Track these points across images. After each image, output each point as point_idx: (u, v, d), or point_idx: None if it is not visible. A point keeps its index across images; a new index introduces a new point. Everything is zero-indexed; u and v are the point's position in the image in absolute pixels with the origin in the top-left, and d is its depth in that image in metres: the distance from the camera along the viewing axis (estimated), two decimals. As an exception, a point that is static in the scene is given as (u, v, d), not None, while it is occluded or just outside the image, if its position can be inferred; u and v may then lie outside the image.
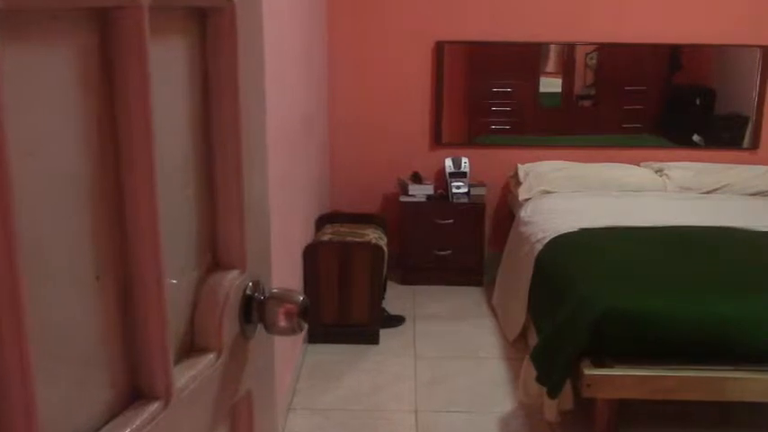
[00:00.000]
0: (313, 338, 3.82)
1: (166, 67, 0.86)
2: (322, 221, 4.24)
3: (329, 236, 3.96)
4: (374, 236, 4.02)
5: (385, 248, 4.03)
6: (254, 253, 1.05)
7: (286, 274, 3.37)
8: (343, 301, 3.80)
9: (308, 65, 3.78)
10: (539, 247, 3.67)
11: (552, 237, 3.65)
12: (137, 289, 0.81)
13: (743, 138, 4.80)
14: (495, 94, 4.79)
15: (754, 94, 4.73)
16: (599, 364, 2.75)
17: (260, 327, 1.06)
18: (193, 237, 0.97)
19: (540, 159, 4.73)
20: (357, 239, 3.89)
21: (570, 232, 3.65)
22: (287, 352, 3.29)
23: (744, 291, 2.89)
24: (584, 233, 3.63)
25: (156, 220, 0.80)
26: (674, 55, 4.76)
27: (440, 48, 4.67)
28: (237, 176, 1.00)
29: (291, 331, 1.06)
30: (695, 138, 4.90)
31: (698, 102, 4.97)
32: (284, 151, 3.21)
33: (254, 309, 1.04)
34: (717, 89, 4.86)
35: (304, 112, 3.67)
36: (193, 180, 0.96)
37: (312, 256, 3.75)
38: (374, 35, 4.69)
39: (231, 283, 1.00)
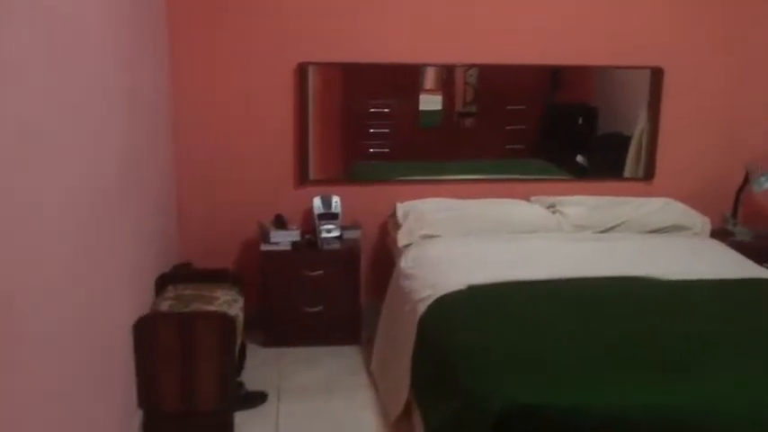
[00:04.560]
0: (150, 432, 3.08)
1: None
2: (164, 281, 3.50)
3: (170, 302, 3.23)
4: (225, 299, 3.32)
5: (240, 313, 3.35)
6: None
7: (106, 358, 2.65)
8: (187, 384, 3.07)
9: (130, 96, 3.05)
10: (421, 308, 3.10)
11: (437, 296, 3.09)
12: None
13: (624, 158, 4.45)
14: (372, 115, 4.24)
15: (642, 118, 4.39)
16: (499, 476, 2.18)
17: None
18: None
19: (421, 195, 4.19)
20: (203, 307, 3.18)
21: (457, 291, 3.09)
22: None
23: (676, 370, 2.39)
24: (473, 292, 3.08)
25: None
26: (554, 73, 4.36)
27: (303, 70, 4.03)
28: None
29: None
30: (579, 158, 4.54)
31: (580, 121, 4.62)
32: (96, 206, 2.50)
33: None
34: (599, 108, 4.51)
35: (126, 156, 2.95)
36: None
37: (146, 331, 3.01)
38: (224, 57, 3.98)
39: None
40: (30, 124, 1.89)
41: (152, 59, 3.58)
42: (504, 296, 3.02)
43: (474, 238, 3.77)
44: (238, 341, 3.27)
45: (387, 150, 4.31)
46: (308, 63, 4.03)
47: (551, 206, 4.11)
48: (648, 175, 4.42)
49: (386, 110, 4.26)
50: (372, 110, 4.25)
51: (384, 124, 4.28)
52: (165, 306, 3.20)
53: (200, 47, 3.95)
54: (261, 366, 3.75)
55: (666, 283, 3.20)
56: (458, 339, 2.70)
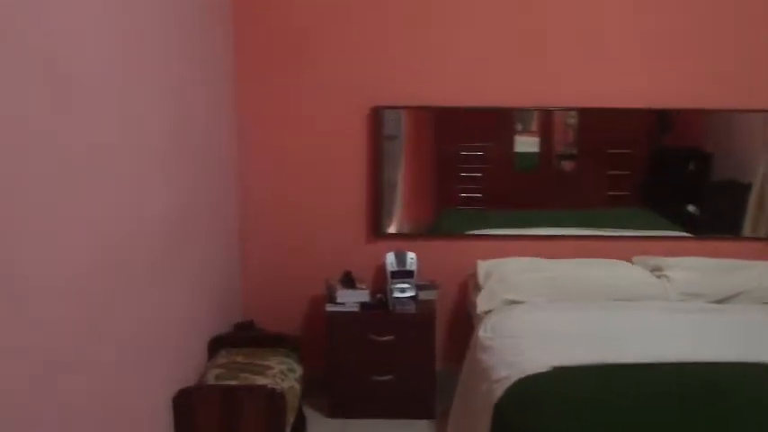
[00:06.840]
0: None
1: None
2: (219, 344, 3.22)
3: (218, 371, 2.93)
4: (279, 369, 2.99)
5: (297, 384, 3.02)
6: None
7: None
8: (232, 467, 2.75)
9: (185, 147, 2.80)
10: (499, 390, 2.65)
11: (516, 379, 2.63)
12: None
13: (741, 209, 3.86)
14: (464, 158, 3.83)
15: (763, 164, 3.80)
16: None
17: None
18: None
19: (508, 252, 3.76)
20: (252, 378, 2.86)
21: (540, 374, 2.63)
22: None
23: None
24: (560, 376, 2.61)
25: None
26: (662, 115, 3.85)
27: (377, 115, 3.71)
28: None
29: None
30: (690, 208, 3.98)
31: (691, 167, 4.06)
32: (135, 261, 2.27)
33: None
34: (713, 153, 3.94)
35: (177, 210, 2.69)
36: None
37: (186, 406, 2.71)
38: (293, 104, 3.72)
39: None
40: (71, 166, 1.82)
41: (216, 108, 3.36)
42: (595, 384, 2.53)
43: (564, 305, 3.30)
44: (291, 418, 2.92)
45: (479, 196, 3.90)
46: (383, 107, 3.70)
47: (656, 269, 3.58)
48: (772, 233, 3.83)
49: (479, 153, 3.86)
50: (464, 153, 3.86)
51: (477, 168, 3.89)
52: (211, 376, 2.90)
53: (267, 94, 3.70)
54: (323, 440, 3.40)
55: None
56: (537, 438, 2.25)
